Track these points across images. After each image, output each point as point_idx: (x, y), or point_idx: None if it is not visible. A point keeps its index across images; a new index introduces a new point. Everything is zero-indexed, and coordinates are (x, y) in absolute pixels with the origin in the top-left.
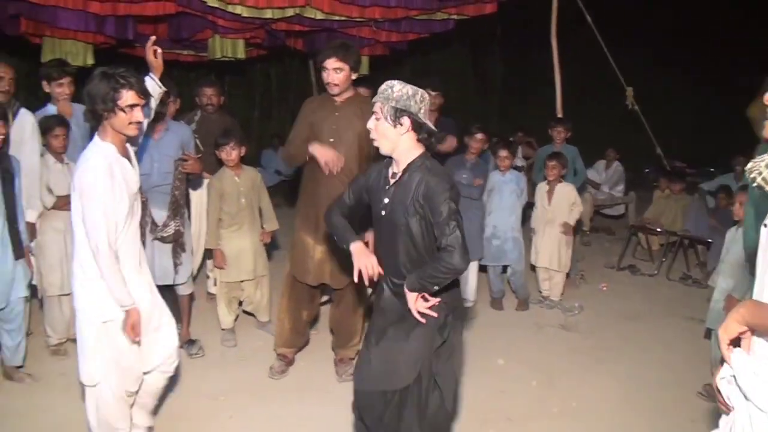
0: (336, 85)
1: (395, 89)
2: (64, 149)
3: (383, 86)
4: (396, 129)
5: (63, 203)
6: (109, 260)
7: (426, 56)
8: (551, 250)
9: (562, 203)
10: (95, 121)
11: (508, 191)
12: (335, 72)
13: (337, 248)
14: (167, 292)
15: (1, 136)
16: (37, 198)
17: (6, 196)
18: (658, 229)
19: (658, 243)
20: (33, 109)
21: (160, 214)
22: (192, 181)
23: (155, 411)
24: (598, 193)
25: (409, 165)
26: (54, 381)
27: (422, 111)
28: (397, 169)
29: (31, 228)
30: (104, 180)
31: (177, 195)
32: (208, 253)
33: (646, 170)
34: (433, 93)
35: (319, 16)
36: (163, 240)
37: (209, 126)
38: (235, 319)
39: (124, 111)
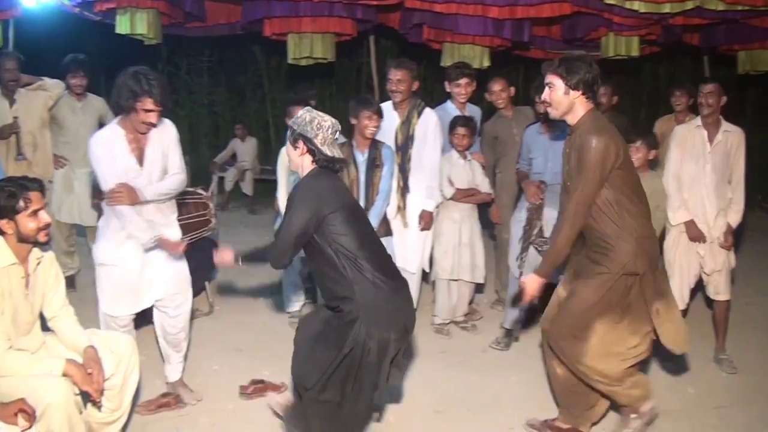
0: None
1: (299, 114)
2: (467, 146)
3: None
4: (295, 150)
5: (461, 195)
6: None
7: None
8: None
9: None
10: (117, 112)
11: None
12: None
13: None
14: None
15: (374, 129)
16: (436, 189)
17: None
18: None
19: None
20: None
21: (552, 215)
22: None
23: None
24: None
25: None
26: (434, 356)
27: (319, 137)
28: None
29: (428, 216)
30: (98, 148)
31: None
32: None
33: None
34: None
35: (721, 7)
36: (538, 252)
37: None
38: None
39: (138, 111)
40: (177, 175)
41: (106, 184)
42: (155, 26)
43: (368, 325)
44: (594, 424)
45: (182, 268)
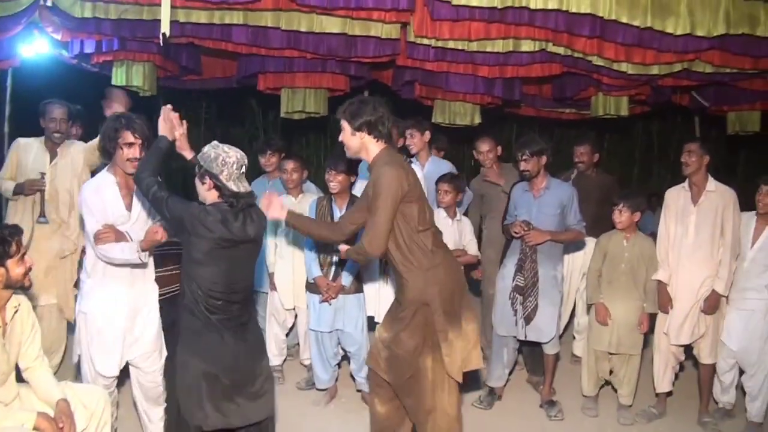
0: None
1: (205, 150)
2: (450, 203)
3: None
4: (203, 185)
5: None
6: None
7: None
8: None
9: None
10: (107, 158)
11: None
12: None
13: None
14: (537, 349)
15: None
16: None
17: None
18: None
19: None
20: None
21: (544, 272)
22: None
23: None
24: None
25: None
26: None
27: (224, 173)
28: None
29: None
30: (90, 195)
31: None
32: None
33: None
34: None
35: (709, 69)
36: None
37: (585, 184)
38: (601, 388)
39: (122, 148)
40: (162, 221)
41: (94, 228)
42: (150, 79)
43: (184, 352)
44: None
45: (159, 325)
